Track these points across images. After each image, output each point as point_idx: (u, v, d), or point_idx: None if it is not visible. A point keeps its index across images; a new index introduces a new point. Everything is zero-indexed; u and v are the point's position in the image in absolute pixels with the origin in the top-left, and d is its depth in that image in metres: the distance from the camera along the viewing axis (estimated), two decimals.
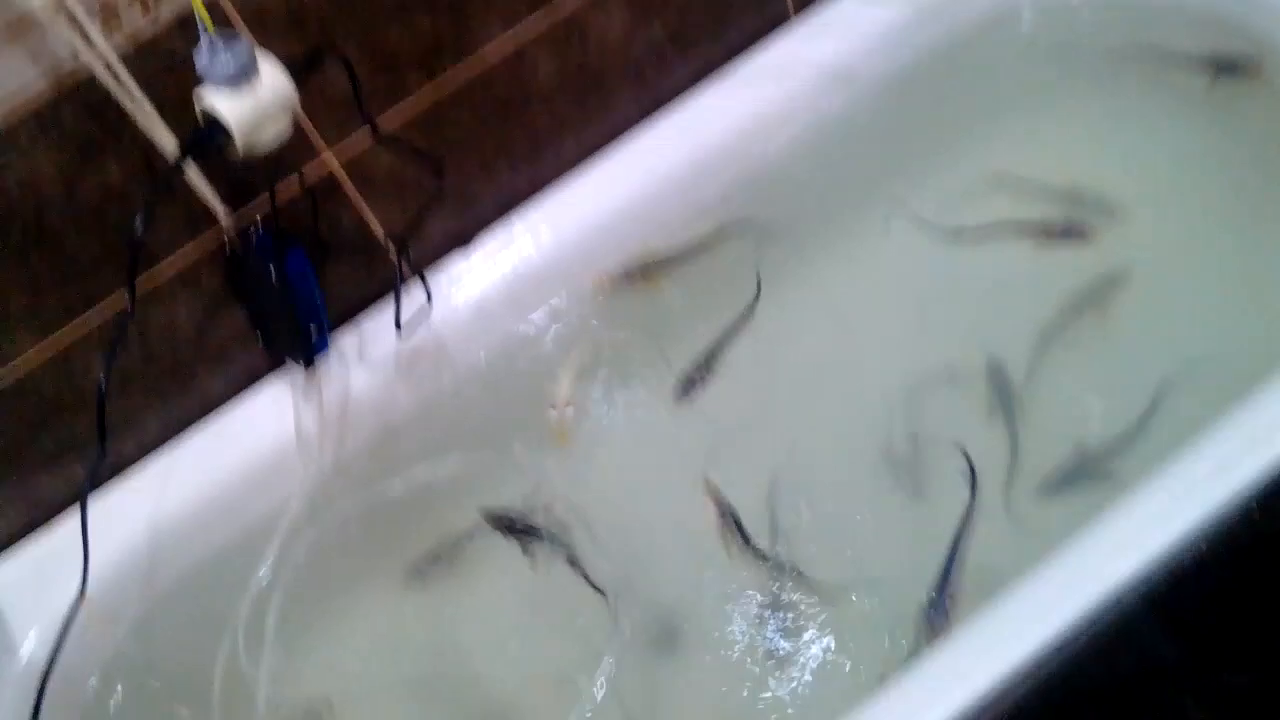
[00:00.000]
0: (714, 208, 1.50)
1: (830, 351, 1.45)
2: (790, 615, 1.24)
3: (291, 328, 1.28)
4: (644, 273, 1.46)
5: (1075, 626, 1.00)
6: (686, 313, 1.47)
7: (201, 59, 1.02)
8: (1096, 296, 1.38)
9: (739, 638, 1.25)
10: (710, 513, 1.31)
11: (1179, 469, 1.06)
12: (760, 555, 1.28)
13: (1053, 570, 1.03)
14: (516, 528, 1.34)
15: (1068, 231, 1.44)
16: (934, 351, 1.40)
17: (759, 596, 1.26)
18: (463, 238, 1.43)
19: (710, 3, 1.47)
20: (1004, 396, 1.32)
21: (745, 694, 1.22)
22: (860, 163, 1.54)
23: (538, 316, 1.45)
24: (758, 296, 1.46)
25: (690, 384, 1.41)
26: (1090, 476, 1.26)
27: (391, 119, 1.29)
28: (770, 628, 1.24)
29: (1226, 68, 1.41)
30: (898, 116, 1.53)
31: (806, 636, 1.23)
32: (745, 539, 1.29)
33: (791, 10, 1.53)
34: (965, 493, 1.24)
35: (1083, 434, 1.28)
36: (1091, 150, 1.53)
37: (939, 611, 1.15)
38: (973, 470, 1.25)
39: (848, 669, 1.22)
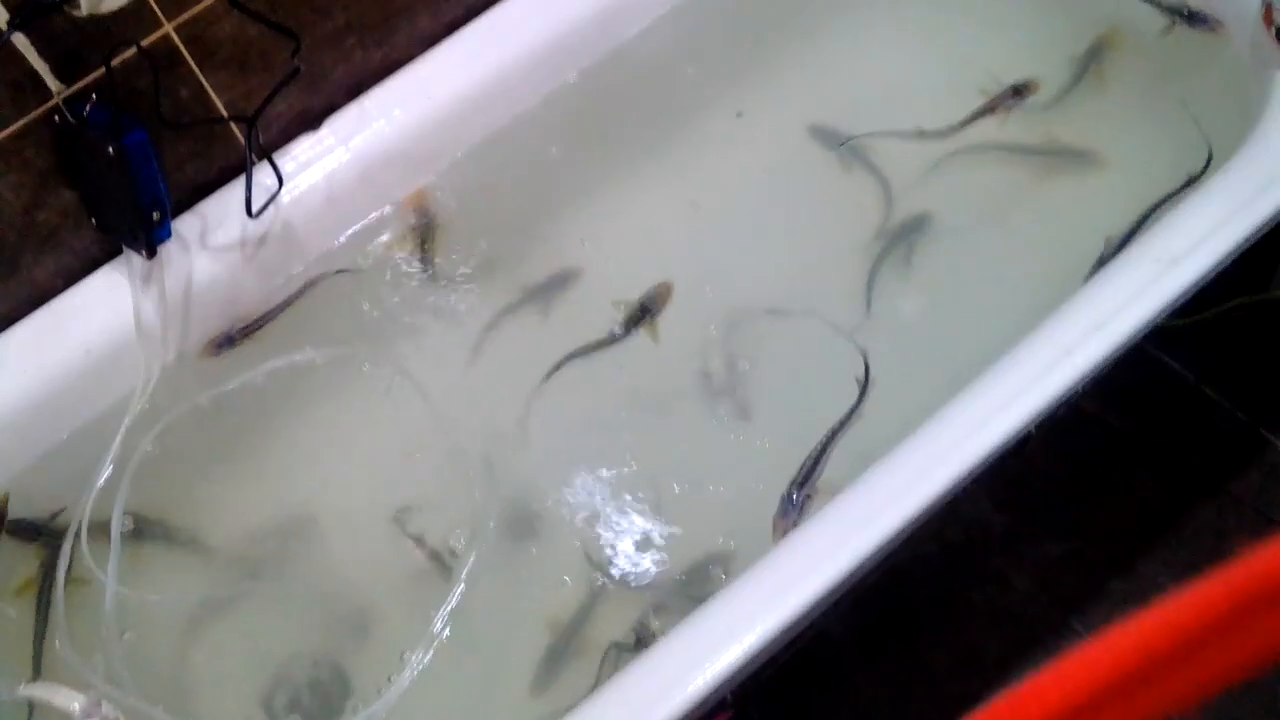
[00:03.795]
0: (572, 83, 1.47)
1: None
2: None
3: (130, 211, 1.19)
4: None
5: (920, 511, 1.05)
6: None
7: None
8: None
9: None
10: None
11: (1019, 357, 1.12)
12: None
13: (901, 459, 1.08)
14: None
15: (1019, 91, 1.44)
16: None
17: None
18: (311, 118, 1.36)
19: None
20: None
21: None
22: (719, 51, 1.53)
23: (393, 203, 1.40)
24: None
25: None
26: None
27: None
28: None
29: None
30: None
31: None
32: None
33: None
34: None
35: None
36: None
37: (793, 507, 1.19)
38: (867, 369, 1.27)
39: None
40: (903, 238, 1.36)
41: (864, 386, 1.25)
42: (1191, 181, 1.29)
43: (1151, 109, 1.42)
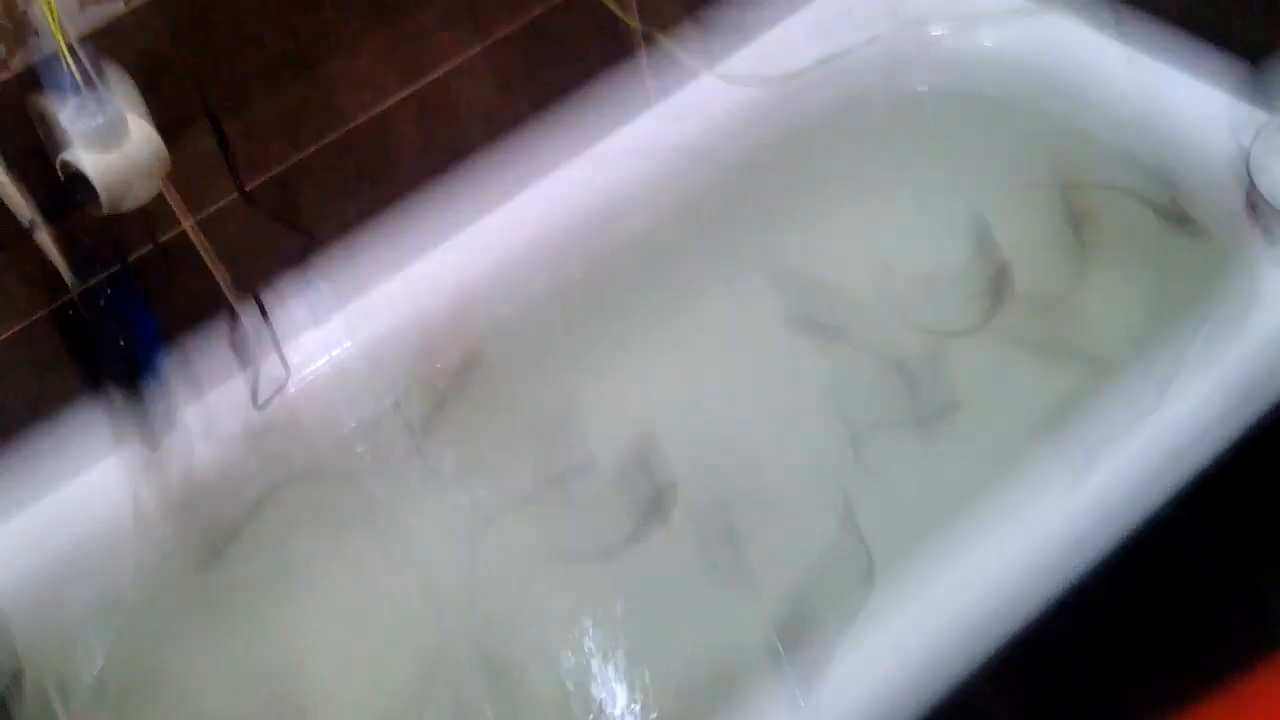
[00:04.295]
0: (576, 275, 1.51)
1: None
2: None
3: (137, 402, 1.20)
4: None
5: (928, 709, 1.03)
6: None
7: (68, 113, 0.97)
8: None
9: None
10: None
11: (1023, 547, 1.11)
12: None
13: (908, 654, 1.06)
14: None
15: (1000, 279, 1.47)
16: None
17: None
18: (320, 310, 1.39)
19: (573, 80, 1.49)
20: None
21: None
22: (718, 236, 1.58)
23: (398, 392, 1.41)
24: None
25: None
26: None
27: (250, 182, 1.24)
28: None
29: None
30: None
31: None
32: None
33: (651, 94, 1.57)
34: None
35: None
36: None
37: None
38: (870, 561, 1.26)
39: None
40: (908, 421, 1.37)
41: (867, 580, 1.24)
42: None
43: (1144, 301, 1.45)
